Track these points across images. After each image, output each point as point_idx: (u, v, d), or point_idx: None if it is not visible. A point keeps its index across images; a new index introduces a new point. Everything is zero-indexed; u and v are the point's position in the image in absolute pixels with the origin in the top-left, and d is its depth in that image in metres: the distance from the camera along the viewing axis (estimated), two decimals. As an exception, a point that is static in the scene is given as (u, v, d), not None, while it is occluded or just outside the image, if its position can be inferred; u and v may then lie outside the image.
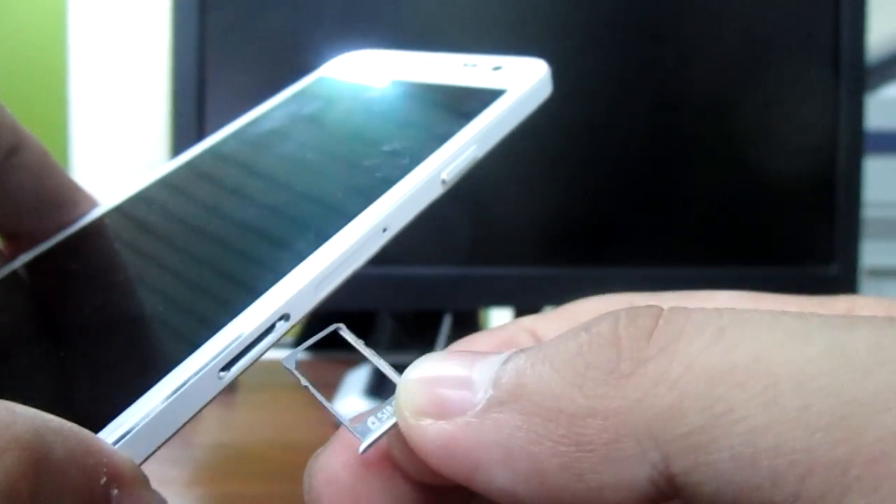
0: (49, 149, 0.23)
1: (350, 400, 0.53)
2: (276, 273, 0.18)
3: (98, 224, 0.23)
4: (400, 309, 0.70)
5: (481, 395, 0.14)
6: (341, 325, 0.18)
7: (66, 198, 0.23)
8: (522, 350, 0.15)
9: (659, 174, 0.55)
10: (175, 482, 0.41)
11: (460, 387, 0.15)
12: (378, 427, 0.15)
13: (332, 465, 0.16)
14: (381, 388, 0.55)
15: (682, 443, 0.12)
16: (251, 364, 0.17)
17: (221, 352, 0.16)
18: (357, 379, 0.58)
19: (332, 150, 0.23)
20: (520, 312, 0.66)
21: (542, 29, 0.54)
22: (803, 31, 0.56)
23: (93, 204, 0.24)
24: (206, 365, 0.16)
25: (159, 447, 0.15)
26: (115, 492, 0.14)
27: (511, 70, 0.23)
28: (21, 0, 2.53)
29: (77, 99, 2.58)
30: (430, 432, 0.14)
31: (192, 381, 0.16)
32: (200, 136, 0.52)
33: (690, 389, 0.12)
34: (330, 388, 0.58)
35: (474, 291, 0.54)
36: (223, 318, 0.17)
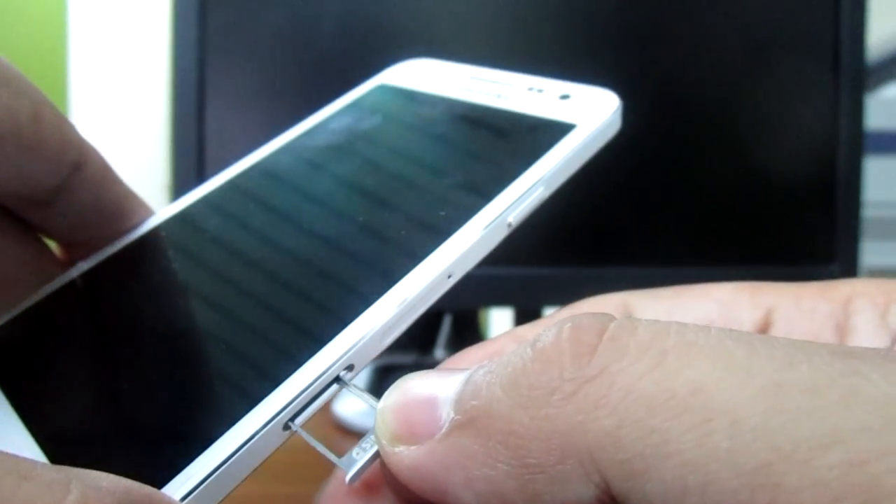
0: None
1: (351, 400, 0.53)
2: (342, 319, 0.17)
3: (153, 235, 0.23)
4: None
5: (444, 416, 0.14)
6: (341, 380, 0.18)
7: (125, 208, 0.23)
8: (481, 366, 0.15)
9: (659, 174, 0.55)
10: (175, 482, 0.41)
11: (428, 408, 0.15)
12: (362, 457, 0.16)
13: (334, 495, 0.17)
14: (381, 388, 0.55)
15: (620, 469, 0.12)
16: (314, 414, 0.16)
17: (287, 405, 0.16)
18: (357, 380, 0.58)
19: (394, 176, 0.22)
20: (520, 312, 0.66)
21: (542, 29, 0.54)
22: (803, 31, 0.56)
23: (149, 212, 0.24)
24: (272, 420, 0.16)
25: (220, 501, 0.15)
26: None
27: (580, 101, 0.22)
28: (21, 1, 2.53)
29: (77, 98, 2.57)
30: (403, 458, 0.15)
31: (258, 436, 0.15)
32: (200, 136, 0.52)
33: (629, 416, 0.12)
34: (330, 388, 0.58)
35: (474, 291, 0.54)
36: (288, 367, 0.16)
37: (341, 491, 0.17)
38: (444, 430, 0.14)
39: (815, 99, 0.56)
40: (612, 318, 0.14)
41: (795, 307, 0.19)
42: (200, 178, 0.51)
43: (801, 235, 0.56)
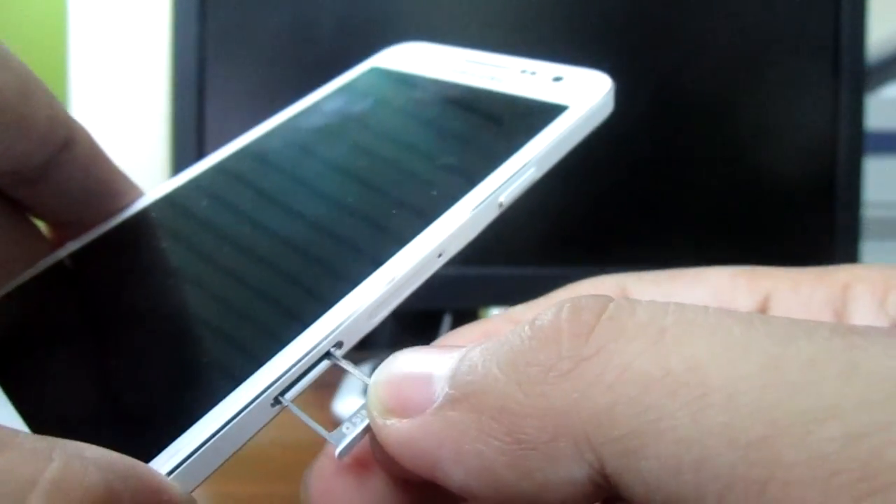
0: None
1: (350, 400, 0.53)
2: (331, 298, 0.17)
3: (144, 215, 0.22)
4: (400, 309, 0.70)
5: (438, 391, 0.14)
6: (329, 353, 0.17)
7: (114, 188, 0.23)
8: (477, 344, 0.15)
9: (659, 174, 0.55)
10: (175, 482, 0.41)
11: (421, 383, 0.15)
12: (352, 431, 0.16)
13: (323, 473, 0.17)
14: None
15: (614, 447, 0.12)
16: (304, 391, 0.16)
17: (276, 381, 0.16)
18: (357, 379, 0.58)
19: (385, 157, 0.22)
20: (520, 312, 0.66)
21: (542, 28, 0.54)
22: (803, 31, 0.56)
23: (138, 193, 0.24)
24: (261, 394, 0.16)
25: (208, 476, 0.15)
26: None
27: (572, 83, 0.22)
28: (21, 0, 2.53)
29: (77, 98, 2.57)
30: (393, 431, 0.15)
31: (246, 410, 0.15)
32: (200, 136, 0.52)
33: (624, 393, 0.12)
34: (330, 387, 0.58)
35: (474, 291, 0.54)
36: (276, 344, 0.16)
37: (331, 467, 0.17)
38: (437, 403, 0.14)
39: (815, 99, 0.56)
40: (610, 299, 0.14)
41: (793, 293, 0.19)
42: (200, 177, 0.51)
43: (801, 235, 0.56)
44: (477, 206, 0.19)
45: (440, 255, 0.19)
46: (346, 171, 0.22)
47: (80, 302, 0.20)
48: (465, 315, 0.65)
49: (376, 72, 0.26)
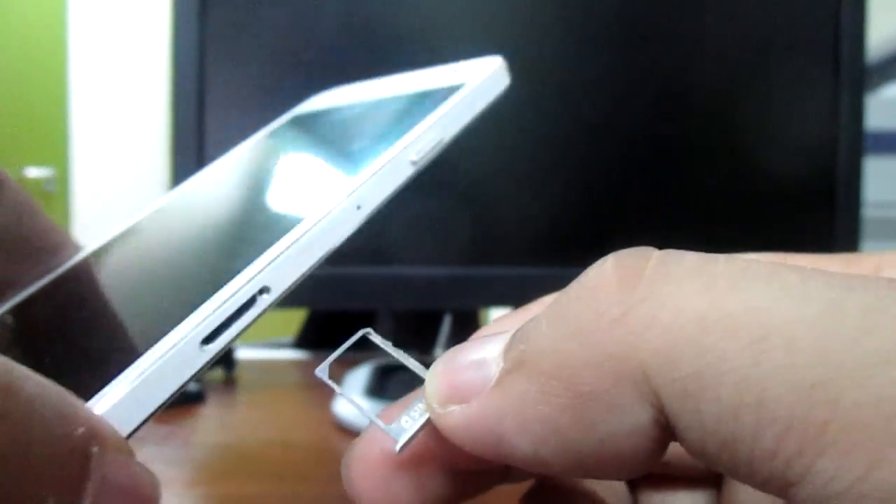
0: (48, 146, 0.23)
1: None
2: (256, 249, 0.18)
3: (80, 268, 0.23)
4: (400, 309, 0.70)
5: (494, 368, 0.14)
6: (369, 330, 0.18)
7: (47, 241, 0.22)
8: (529, 320, 0.15)
9: (659, 174, 0.55)
10: (175, 482, 0.41)
11: (477, 368, 0.15)
12: (412, 425, 0.16)
13: (368, 460, 0.17)
14: (381, 388, 0.55)
15: (673, 387, 0.12)
16: (235, 338, 0.17)
17: (200, 323, 0.16)
18: (357, 379, 0.58)
19: (317, 151, 0.26)
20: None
21: (542, 29, 0.54)
22: (803, 31, 0.56)
23: (75, 247, 0.23)
24: (186, 336, 0.16)
25: (147, 419, 0.15)
26: (96, 449, 0.13)
27: (469, 68, 0.25)
28: (21, 0, 2.54)
29: (77, 98, 2.58)
30: (455, 416, 0.15)
31: (172, 352, 0.16)
32: (200, 136, 0.52)
33: (681, 335, 0.12)
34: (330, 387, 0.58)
35: (474, 291, 0.54)
36: (205, 295, 0.17)
37: (384, 460, 0.17)
38: (494, 379, 0.14)
39: (815, 99, 0.56)
40: (653, 250, 0.14)
41: None
42: (200, 178, 0.51)
43: (801, 235, 0.56)
44: (390, 161, 0.21)
45: (359, 207, 0.20)
46: (277, 168, 0.25)
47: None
48: (465, 315, 0.65)
49: (296, 118, 0.30)
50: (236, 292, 0.17)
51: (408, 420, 0.16)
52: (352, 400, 0.17)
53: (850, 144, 0.55)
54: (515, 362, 0.14)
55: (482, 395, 0.14)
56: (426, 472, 0.17)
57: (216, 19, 0.52)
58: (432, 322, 0.73)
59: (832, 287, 0.12)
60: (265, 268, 0.18)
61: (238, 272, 0.18)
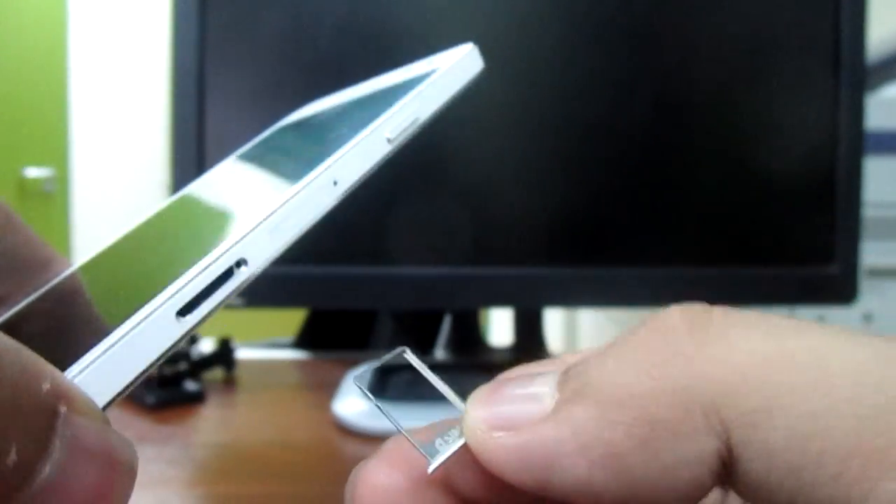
0: (48, 146, 0.22)
1: (350, 400, 0.53)
2: (233, 222, 0.19)
3: (69, 284, 0.23)
4: (400, 309, 0.70)
5: (549, 401, 0.15)
6: (406, 349, 0.18)
7: (35, 258, 0.22)
8: (579, 361, 0.16)
9: (659, 174, 0.55)
10: (175, 482, 0.41)
11: (527, 400, 0.16)
12: (445, 448, 0.16)
13: (383, 480, 0.17)
14: (382, 388, 0.55)
15: (743, 419, 0.13)
16: (213, 310, 0.17)
17: (175, 294, 0.17)
18: (358, 380, 0.58)
19: (299, 139, 0.27)
20: (520, 312, 0.66)
21: (543, 29, 0.54)
22: (803, 30, 0.56)
23: (64, 264, 0.23)
24: (161, 306, 0.16)
25: (122, 393, 0.16)
26: (64, 409, 0.13)
27: (443, 56, 0.26)
28: (21, 1, 2.54)
29: (77, 98, 2.58)
30: (504, 442, 0.15)
31: (146, 322, 0.16)
32: (200, 136, 0.52)
33: (752, 372, 0.13)
34: (330, 387, 0.58)
35: (474, 291, 0.54)
36: (182, 270, 0.18)
37: (397, 477, 0.17)
38: (550, 409, 0.15)
39: (815, 99, 0.56)
40: (710, 307, 0.15)
41: None
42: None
43: (801, 235, 0.56)
44: (366, 137, 0.21)
45: (336, 183, 0.20)
46: (261, 157, 0.26)
47: None
48: (465, 315, 0.65)
49: (283, 128, 0.31)
50: (212, 263, 0.17)
51: (441, 443, 0.16)
52: (388, 414, 0.17)
53: (850, 144, 0.55)
54: (576, 393, 0.15)
55: (535, 423, 0.15)
56: (442, 500, 0.17)
57: (216, 19, 0.52)
58: (432, 322, 0.73)
59: (878, 340, 0.14)
60: (241, 239, 0.18)
61: (215, 246, 0.18)
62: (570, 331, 1.26)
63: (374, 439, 0.48)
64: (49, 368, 0.13)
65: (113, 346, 0.16)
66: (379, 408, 0.17)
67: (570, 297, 0.57)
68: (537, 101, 0.54)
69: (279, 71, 0.53)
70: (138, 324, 0.16)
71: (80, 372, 0.15)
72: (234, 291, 0.18)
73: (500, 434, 0.15)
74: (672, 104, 0.55)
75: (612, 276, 0.54)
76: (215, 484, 0.42)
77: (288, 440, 0.49)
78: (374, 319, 0.90)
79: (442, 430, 0.17)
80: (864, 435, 0.12)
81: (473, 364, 0.62)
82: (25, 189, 2.46)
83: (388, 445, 0.17)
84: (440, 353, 0.70)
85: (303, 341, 0.90)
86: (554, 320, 1.21)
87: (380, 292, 0.53)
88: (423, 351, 0.72)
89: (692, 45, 0.55)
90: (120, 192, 2.51)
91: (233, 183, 0.25)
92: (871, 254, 0.68)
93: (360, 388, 0.18)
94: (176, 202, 0.26)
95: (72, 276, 0.23)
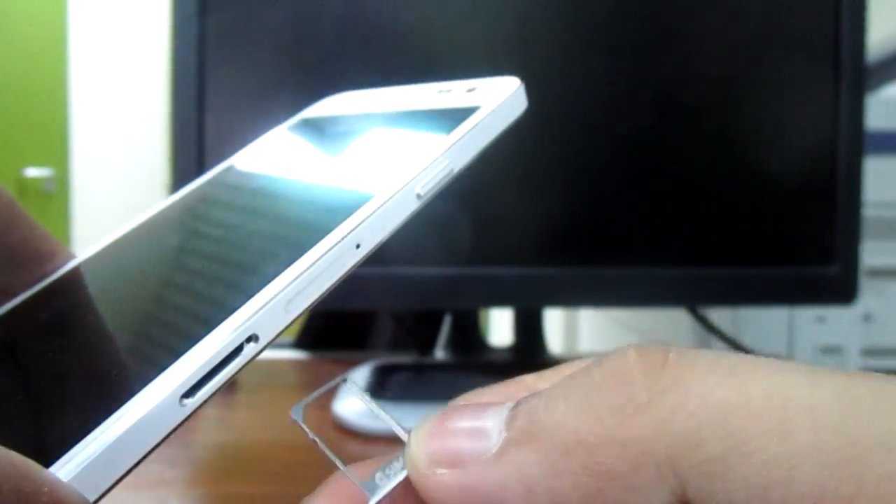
0: (48, 146, 0.22)
1: (350, 400, 0.53)
2: (245, 294, 0.17)
3: (71, 278, 0.22)
4: (400, 309, 0.70)
5: (496, 439, 0.15)
6: (347, 378, 0.18)
7: (39, 251, 0.22)
8: (531, 395, 0.15)
9: (659, 174, 0.55)
10: (175, 482, 0.41)
11: (472, 436, 0.15)
12: (387, 483, 0.15)
13: None
14: (381, 388, 0.55)
15: (699, 470, 0.13)
16: (219, 389, 0.16)
17: (183, 377, 0.15)
18: (357, 379, 0.58)
19: (314, 176, 0.23)
20: (520, 312, 0.66)
21: (542, 28, 0.54)
22: (803, 31, 0.56)
23: (68, 256, 0.22)
24: (166, 391, 0.15)
25: (120, 479, 0.14)
26: None
27: (485, 89, 0.23)
28: (21, 1, 2.54)
29: (77, 98, 2.58)
30: (446, 480, 0.15)
31: (150, 408, 0.15)
32: (200, 136, 0.52)
33: (707, 419, 0.13)
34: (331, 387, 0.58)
35: (474, 291, 0.54)
36: (188, 343, 0.16)
37: None
38: (496, 448, 0.14)
39: (815, 99, 0.56)
40: (669, 346, 0.15)
41: None
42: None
43: (801, 235, 0.56)
44: (393, 195, 0.19)
45: (358, 246, 0.18)
46: (275, 193, 0.23)
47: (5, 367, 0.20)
48: (465, 315, 0.65)
49: (306, 121, 0.28)
50: (222, 342, 0.16)
51: (382, 477, 0.16)
52: (325, 449, 0.16)
53: (850, 144, 0.55)
54: (524, 433, 0.14)
55: (481, 462, 0.14)
56: None
57: (216, 19, 0.52)
58: (432, 322, 0.73)
59: (838, 378, 0.13)
60: (255, 314, 0.16)
61: (226, 317, 0.16)
62: (570, 331, 1.26)
63: (375, 439, 0.48)
64: (44, 481, 0.13)
65: (113, 437, 0.14)
66: (317, 441, 0.16)
67: (570, 297, 0.57)
68: (537, 101, 0.54)
69: (279, 71, 0.53)
70: (140, 412, 0.15)
71: (77, 467, 0.14)
72: (241, 368, 0.16)
73: (443, 471, 0.15)
74: (672, 104, 0.55)
75: (612, 276, 0.54)
76: (215, 484, 0.42)
77: (288, 440, 0.49)
78: (373, 320, 0.90)
79: (386, 461, 0.16)
80: (828, 484, 0.12)
81: (473, 364, 0.62)
82: (25, 189, 2.46)
83: (330, 481, 0.17)
84: (440, 353, 0.70)
85: (303, 341, 0.90)
86: (554, 320, 1.21)
87: (380, 292, 0.53)
88: (423, 351, 0.72)
89: (692, 45, 0.55)
90: (120, 192, 2.51)
91: (245, 210, 0.23)
92: (871, 254, 0.68)
93: (298, 422, 0.17)
94: (185, 212, 0.24)
95: (75, 270, 0.22)
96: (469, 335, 0.65)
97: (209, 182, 0.25)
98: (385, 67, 0.53)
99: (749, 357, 0.14)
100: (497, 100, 0.22)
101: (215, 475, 0.44)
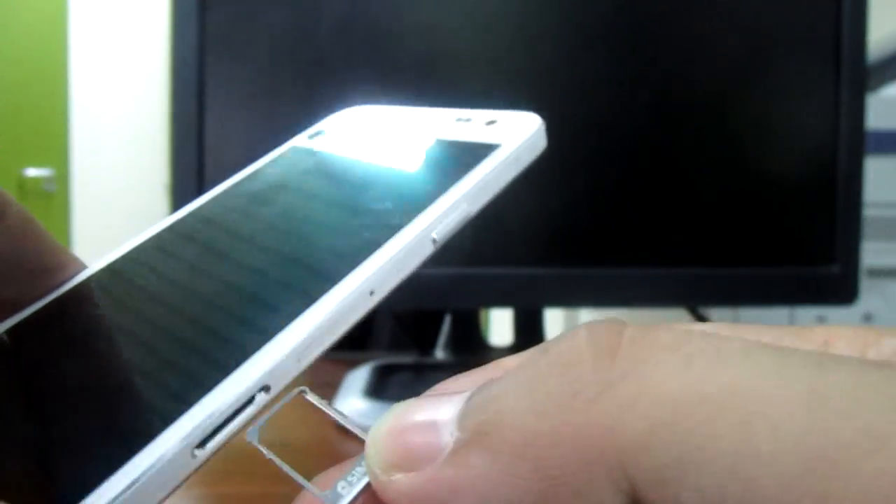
0: (48, 146, 0.22)
1: (350, 401, 0.53)
2: (256, 342, 0.17)
3: (82, 290, 0.22)
4: (400, 309, 0.70)
5: (447, 437, 0.14)
6: (304, 388, 0.17)
7: (50, 262, 0.22)
8: (485, 384, 0.14)
9: (659, 174, 0.55)
10: (175, 482, 0.41)
11: (426, 432, 0.14)
12: (349, 491, 0.15)
13: None
14: (381, 388, 0.55)
15: (651, 476, 0.12)
16: (229, 439, 0.16)
17: (195, 428, 0.15)
18: (357, 379, 0.58)
19: (323, 210, 0.23)
20: (520, 312, 0.66)
21: (541, 29, 0.54)
22: (804, 30, 0.56)
23: (79, 267, 0.22)
24: (179, 443, 0.15)
25: None
26: None
27: (505, 124, 0.22)
28: (21, 0, 2.54)
29: (77, 98, 2.58)
30: (402, 487, 0.14)
31: (163, 461, 0.15)
32: (200, 136, 0.52)
33: (660, 420, 0.12)
34: (330, 388, 0.58)
35: (474, 291, 0.54)
36: (200, 391, 0.16)
37: None
38: (447, 450, 0.13)
39: (815, 99, 0.56)
40: (626, 323, 0.13)
41: None
42: (200, 178, 0.51)
43: (801, 235, 0.56)
44: (408, 243, 0.19)
45: (372, 293, 0.18)
46: (285, 226, 0.22)
47: (9, 381, 0.19)
48: (465, 315, 0.65)
49: (321, 136, 0.27)
50: (236, 394, 0.16)
51: (345, 486, 0.15)
52: (283, 465, 0.16)
53: (850, 144, 0.55)
54: (475, 433, 0.13)
55: (434, 465, 0.13)
56: None
57: (216, 19, 0.52)
58: (432, 322, 0.73)
59: (808, 368, 0.12)
60: (268, 367, 0.16)
61: (239, 364, 0.16)
62: (570, 331, 1.26)
63: (374, 439, 0.48)
64: None
65: (123, 493, 0.14)
66: (272, 460, 0.16)
67: (570, 297, 0.57)
68: (536, 102, 0.54)
69: (279, 71, 0.53)
70: (152, 466, 0.14)
71: None
72: (252, 418, 0.16)
73: (399, 476, 0.14)
74: (672, 104, 0.55)
75: (612, 276, 0.54)
76: (215, 484, 0.42)
77: (288, 440, 0.49)
78: (373, 319, 0.90)
79: (349, 469, 0.15)
80: (788, 499, 0.11)
81: (473, 364, 0.62)
82: (25, 189, 2.46)
83: (298, 499, 0.16)
84: (440, 353, 0.70)
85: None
86: (554, 320, 1.21)
87: (380, 292, 0.52)
88: (423, 351, 0.72)
89: (693, 44, 0.55)
90: (120, 192, 2.52)
91: (256, 247, 0.22)
92: (871, 254, 0.68)
93: (254, 444, 0.16)
94: (195, 236, 0.23)
95: (84, 283, 0.22)
96: (469, 335, 0.65)
97: (217, 200, 0.24)
98: (385, 68, 0.53)
99: (713, 341, 0.13)
100: (517, 140, 0.21)
101: (215, 475, 0.44)
